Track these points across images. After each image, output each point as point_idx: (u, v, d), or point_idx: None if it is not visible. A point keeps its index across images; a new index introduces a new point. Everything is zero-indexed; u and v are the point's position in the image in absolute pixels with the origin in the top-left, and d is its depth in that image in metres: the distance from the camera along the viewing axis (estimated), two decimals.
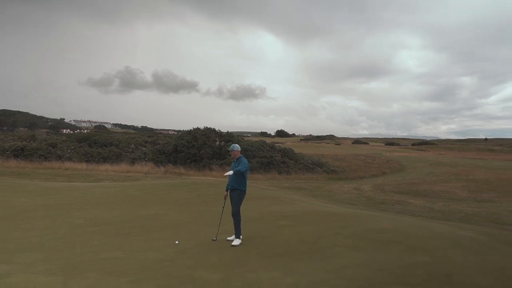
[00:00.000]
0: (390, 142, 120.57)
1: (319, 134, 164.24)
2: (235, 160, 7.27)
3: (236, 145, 7.38)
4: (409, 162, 43.70)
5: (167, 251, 6.37)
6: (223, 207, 7.82)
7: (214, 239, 7.19)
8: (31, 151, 29.19)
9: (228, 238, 7.15)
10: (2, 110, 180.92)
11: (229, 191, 7.20)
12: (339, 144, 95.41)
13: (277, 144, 36.88)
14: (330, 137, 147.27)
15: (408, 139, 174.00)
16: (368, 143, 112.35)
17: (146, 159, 29.93)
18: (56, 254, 6.14)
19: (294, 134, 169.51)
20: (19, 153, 28.84)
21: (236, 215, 7.01)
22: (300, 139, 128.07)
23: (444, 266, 5.58)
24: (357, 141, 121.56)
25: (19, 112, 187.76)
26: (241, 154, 7.35)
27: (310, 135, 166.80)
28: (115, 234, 7.60)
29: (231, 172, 6.92)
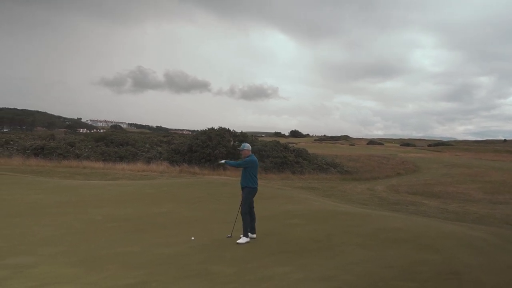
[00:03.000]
0: (406, 143, 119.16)
1: (333, 135, 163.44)
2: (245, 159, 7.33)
3: (247, 144, 7.50)
4: (425, 163, 43.28)
5: (182, 247, 6.61)
6: (240, 205, 7.84)
7: (229, 235, 7.34)
8: (51, 150, 29.94)
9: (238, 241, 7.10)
10: (21, 110, 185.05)
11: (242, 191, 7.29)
12: (354, 145, 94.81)
13: (291, 145, 36.97)
14: (345, 138, 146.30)
15: (424, 140, 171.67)
16: (383, 144, 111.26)
17: (161, 158, 30.40)
18: (77, 248, 6.44)
19: (308, 135, 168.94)
20: (39, 152, 29.62)
21: (243, 214, 7.07)
22: (314, 140, 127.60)
23: (452, 265, 5.67)
24: (372, 142, 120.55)
25: (37, 112, 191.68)
26: (252, 153, 7.42)
27: (324, 135, 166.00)
28: (131, 230, 7.88)
29: (222, 161, 7.44)
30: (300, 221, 9.01)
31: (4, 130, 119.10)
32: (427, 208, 15.68)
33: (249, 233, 7.13)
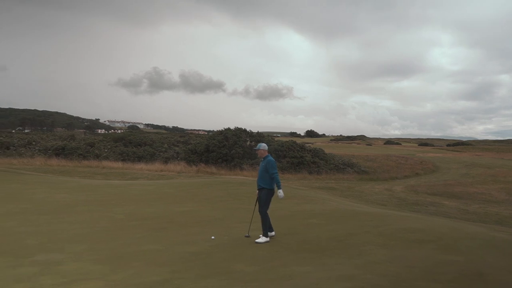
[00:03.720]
0: (424, 143, 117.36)
1: (350, 134, 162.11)
2: (262, 159, 7.33)
3: (263, 144, 7.47)
4: (444, 163, 42.59)
5: (203, 245, 6.71)
6: (255, 205, 7.93)
7: (247, 235, 7.43)
8: (71, 150, 30.60)
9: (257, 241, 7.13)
10: (42, 111, 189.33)
11: (258, 191, 7.29)
12: (371, 145, 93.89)
13: (307, 144, 36.89)
14: (361, 138, 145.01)
15: (443, 139, 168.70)
16: (400, 144, 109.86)
17: (178, 158, 30.73)
18: (101, 245, 6.60)
19: (324, 134, 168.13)
20: (60, 152, 30.31)
21: (263, 215, 7.08)
22: (330, 140, 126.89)
23: (476, 265, 5.62)
24: (389, 142, 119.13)
25: (57, 112, 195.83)
26: (268, 153, 7.41)
27: (341, 135, 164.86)
28: (153, 228, 8.03)
29: (281, 193, 6.99)
30: (319, 220, 9.03)
31: (26, 131, 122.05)
32: (447, 209, 15.47)
33: (268, 233, 7.18)
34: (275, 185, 7.09)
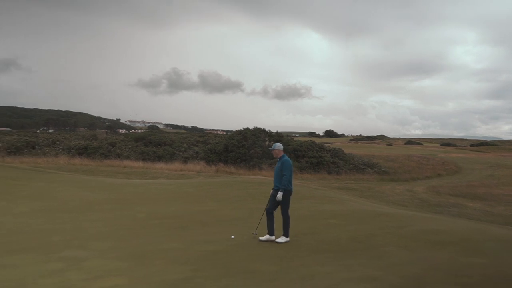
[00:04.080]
0: (446, 143, 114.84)
1: (369, 134, 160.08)
2: (278, 159, 7.18)
3: (278, 143, 7.32)
4: (467, 163, 41.64)
5: (223, 244, 6.76)
6: (267, 204, 7.65)
7: (254, 233, 7.29)
8: (93, 149, 31.24)
9: (261, 238, 7.05)
10: (65, 111, 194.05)
11: (273, 190, 7.15)
12: (391, 145, 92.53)
13: (326, 144, 36.65)
14: (381, 138, 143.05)
15: (466, 139, 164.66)
16: (421, 144, 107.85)
17: (198, 158, 31.00)
18: (124, 243, 6.73)
19: (343, 134, 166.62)
20: (83, 152, 30.98)
21: (284, 216, 6.98)
22: (350, 139, 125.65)
23: (502, 269, 5.49)
24: (410, 142, 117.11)
25: (79, 113, 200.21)
26: (284, 153, 7.25)
27: (360, 135, 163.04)
28: (174, 227, 8.13)
29: (279, 195, 6.88)
30: (339, 221, 8.96)
31: (50, 130, 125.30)
32: (470, 210, 15.13)
33: (268, 234, 7.02)
34: (290, 185, 6.93)
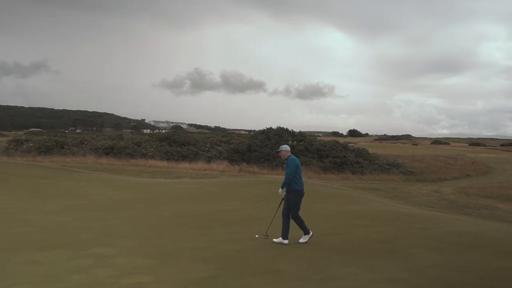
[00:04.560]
0: (475, 143, 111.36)
1: (394, 134, 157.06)
2: (286, 160, 7.06)
3: (284, 145, 7.27)
4: (498, 164, 40.30)
5: (247, 243, 6.78)
6: (279, 205, 7.43)
7: (266, 235, 7.10)
8: (120, 149, 31.90)
9: (274, 240, 6.91)
10: (92, 112, 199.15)
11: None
12: (417, 145, 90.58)
13: (350, 144, 36.21)
14: (406, 137, 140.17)
15: (496, 139, 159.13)
16: (449, 144, 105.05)
17: (221, 158, 31.19)
18: (150, 241, 6.85)
19: (367, 134, 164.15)
20: (109, 151, 31.68)
21: (295, 218, 6.83)
22: (374, 139, 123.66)
23: None
24: (437, 141, 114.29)
25: (106, 113, 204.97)
26: (291, 153, 7.13)
27: (385, 134, 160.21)
28: (199, 226, 8.21)
29: (280, 191, 6.93)
30: (364, 221, 8.83)
31: (78, 131, 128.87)
32: (502, 212, 14.63)
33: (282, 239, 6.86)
34: (300, 185, 6.79)
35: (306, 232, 6.95)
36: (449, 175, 29.90)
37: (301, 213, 6.96)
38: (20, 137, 37.24)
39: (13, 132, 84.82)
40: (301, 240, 6.91)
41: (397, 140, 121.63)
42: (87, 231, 7.45)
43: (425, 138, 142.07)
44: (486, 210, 14.86)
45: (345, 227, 8.30)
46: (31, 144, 32.38)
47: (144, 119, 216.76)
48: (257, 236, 7.26)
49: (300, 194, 6.81)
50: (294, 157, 7.02)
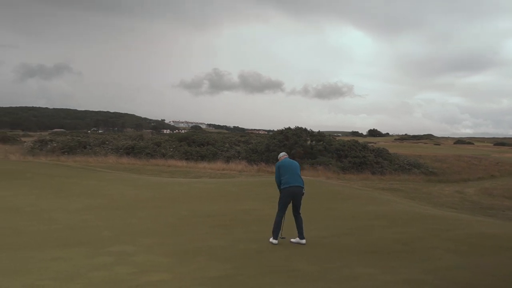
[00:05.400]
0: (500, 142, 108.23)
1: (416, 134, 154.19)
2: None
3: (281, 153, 7.65)
4: None
5: (264, 243, 6.80)
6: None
7: (282, 237, 6.99)
8: (140, 149, 32.40)
9: (292, 240, 6.91)
10: (113, 112, 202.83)
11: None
12: (439, 144, 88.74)
13: (369, 144, 35.78)
14: (428, 137, 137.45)
15: None
16: (473, 143, 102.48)
17: (240, 157, 31.29)
18: (169, 240, 6.95)
19: (387, 134, 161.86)
20: (130, 151, 32.22)
21: (277, 215, 6.91)
22: (395, 139, 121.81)
23: None
24: (460, 141, 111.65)
25: (127, 114, 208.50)
26: (285, 157, 7.41)
27: (406, 134, 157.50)
28: (217, 225, 8.28)
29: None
30: (384, 222, 8.73)
31: (100, 131, 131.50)
32: None
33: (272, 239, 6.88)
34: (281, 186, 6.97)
35: (274, 237, 6.83)
36: (472, 176, 29.19)
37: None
38: (45, 138, 38.26)
39: (38, 133, 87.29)
40: (271, 239, 6.82)
41: (418, 140, 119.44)
42: (108, 229, 7.61)
43: (447, 138, 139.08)
44: (511, 212, 14.46)
45: (364, 227, 8.22)
46: (55, 144, 33.22)
47: (164, 120, 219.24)
48: (284, 237, 7.07)
49: (284, 192, 6.86)
50: (280, 162, 7.23)
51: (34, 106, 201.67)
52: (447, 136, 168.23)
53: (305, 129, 31.97)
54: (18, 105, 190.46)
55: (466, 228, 8.24)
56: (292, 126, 32.03)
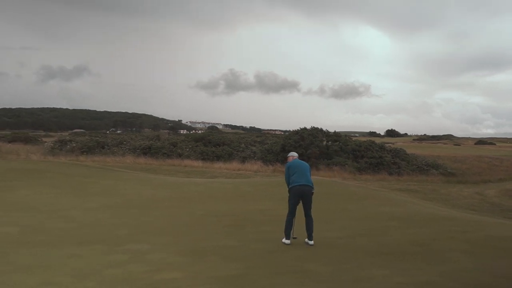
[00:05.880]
0: None
1: (435, 134, 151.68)
2: None
3: (290, 152, 7.71)
4: None
5: (278, 243, 6.80)
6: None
7: (294, 237, 6.98)
8: (157, 149, 32.77)
9: (307, 241, 6.86)
10: (131, 113, 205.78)
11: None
12: (459, 145, 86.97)
13: (387, 144, 35.34)
14: (448, 137, 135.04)
15: None
16: (494, 144, 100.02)
17: (255, 158, 31.34)
18: (183, 239, 7.02)
19: (406, 134, 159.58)
20: (147, 151, 32.61)
21: (287, 216, 6.93)
22: (413, 139, 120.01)
23: None
24: (481, 142, 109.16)
25: (144, 114, 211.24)
26: (295, 158, 7.49)
27: (425, 134, 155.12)
28: (231, 225, 8.31)
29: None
30: (399, 223, 8.62)
31: (118, 131, 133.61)
32: None
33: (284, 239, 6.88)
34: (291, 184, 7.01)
35: (287, 237, 6.83)
36: (493, 177, 28.49)
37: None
38: (65, 138, 39.06)
39: (59, 133, 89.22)
40: (283, 240, 6.83)
41: (437, 140, 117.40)
42: (123, 228, 7.73)
43: (468, 138, 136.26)
44: None
45: (379, 228, 8.14)
46: (74, 144, 33.89)
47: (181, 120, 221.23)
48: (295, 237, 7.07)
49: (293, 191, 6.90)
50: (290, 162, 7.27)
51: (55, 107, 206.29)
52: (467, 136, 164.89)
53: (321, 129, 31.80)
54: (40, 106, 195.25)
55: (485, 230, 8.07)
56: (309, 126, 31.92)
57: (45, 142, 42.24)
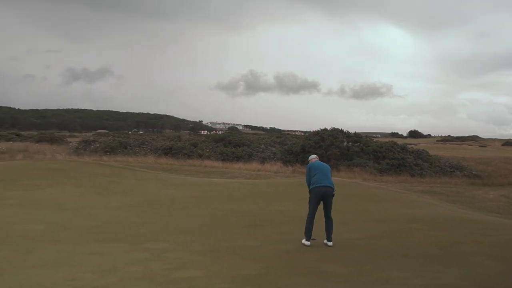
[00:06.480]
0: None
1: (459, 135, 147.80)
2: None
3: (311, 155, 7.86)
4: None
5: (297, 244, 6.80)
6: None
7: (313, 238, 6.93)
8: (177, 150, 33.17)
9: (326, 242, 6.84)
10: (153, 114, 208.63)
11: None
12: (485, 146, 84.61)
13: (409, 146, 34.73)
14: (473, 138, 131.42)
15: None
16: None
17: (275, 158, 31.32)
18: (202, 238, 7.10)
19: (429, 135, 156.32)
20: (168, 152, 33.04)
21: (308, 216, 6.95)
22: (437, 140, 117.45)
23: None
24: (508, 143, 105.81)
25: (166, 115, 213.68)
26: (316, 160, 7.60)
27: (449, 135, 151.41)
28: (250, 225, 8.35)
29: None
30: (421, 225, 8.47)
31: (140, 132, 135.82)
32: None
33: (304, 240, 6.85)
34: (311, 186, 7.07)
35: (307, 238, 6.81)
36: None
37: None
38: (89, 138, 40.00)
39: (83, 134, 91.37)
40: (303, 241, 6.81)
41: (462, 141, 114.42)
42: (144, 227, 7.87)
43: (494, 140, 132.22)
44: None
45: (400, 230, 8.03)
46: (97, 145, 34.64)
47: (201, 121, 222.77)
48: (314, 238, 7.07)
49: (314, 192, 6.94)
50: (311, 163, 7.40)
51: (79, 108, 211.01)
52: (494, 137, 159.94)
53: (341, 130, 31.51)
54: (65, 107, 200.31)
55: (510, 234, 7.85)
56: (329, 127, 31.68)
57: (70, 142, 43.31)
